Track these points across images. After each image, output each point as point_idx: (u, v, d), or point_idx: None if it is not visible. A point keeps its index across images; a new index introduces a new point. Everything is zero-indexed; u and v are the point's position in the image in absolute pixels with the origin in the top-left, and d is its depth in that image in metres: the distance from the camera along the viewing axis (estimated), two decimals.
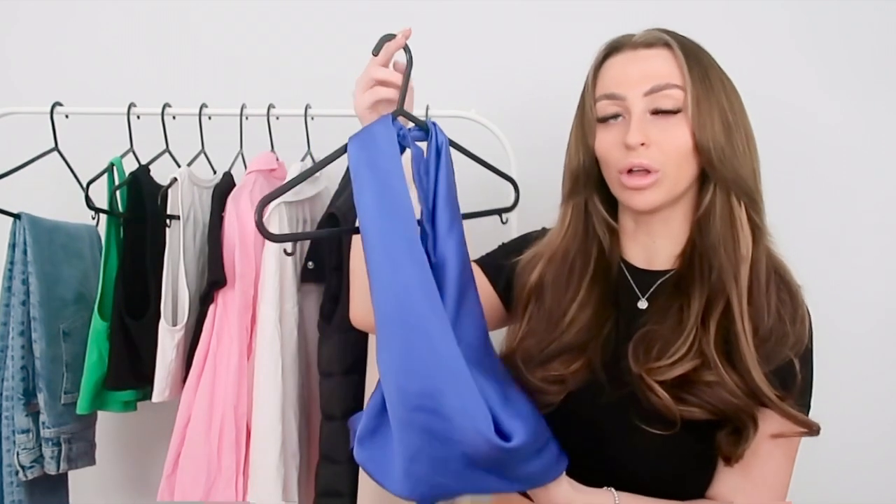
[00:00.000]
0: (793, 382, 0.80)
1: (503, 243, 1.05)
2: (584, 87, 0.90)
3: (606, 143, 0.86)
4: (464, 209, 0.85)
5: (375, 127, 0.77)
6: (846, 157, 1.44)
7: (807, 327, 0.82)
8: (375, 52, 0.85)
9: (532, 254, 0.95)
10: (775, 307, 0.81)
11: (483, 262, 1.02)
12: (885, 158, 1.44)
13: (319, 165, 0.83)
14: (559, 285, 0.90)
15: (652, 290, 0.89)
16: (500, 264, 0.99)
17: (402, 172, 0.74)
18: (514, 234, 1.29)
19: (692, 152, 0.82)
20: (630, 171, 0.84)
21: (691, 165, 0.83)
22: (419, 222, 0.77)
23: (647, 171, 0.83)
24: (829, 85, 1.42)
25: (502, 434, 0.70)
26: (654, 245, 0.90)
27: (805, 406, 0.83)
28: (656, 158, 0.82)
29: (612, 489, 0.81)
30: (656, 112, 0.82)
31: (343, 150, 0.79)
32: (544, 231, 1.01)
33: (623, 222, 0.92)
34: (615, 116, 0.85)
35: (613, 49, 0.88)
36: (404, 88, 0.83)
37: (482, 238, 1.19)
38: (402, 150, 0.78)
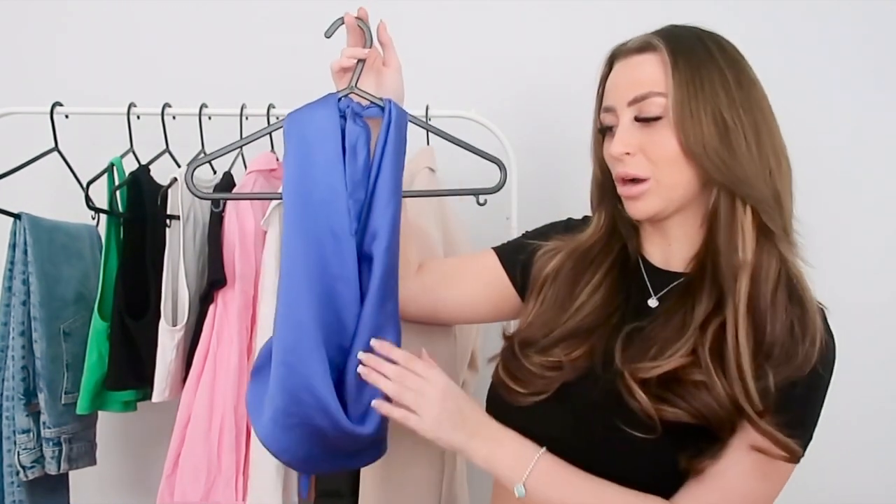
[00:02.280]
0: (786, 400, 0.76)
1: (526, 231, 1.05)
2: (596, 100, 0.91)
3: (606, 153, 0.87)
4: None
5: (315, 105, 0.84)
6: (847, 154, 1.44)
7: (818, 348, 0.77)
8: (328, 34, 0.91)
9: (555, 244, 0.96)
10: (787, 321, 0.78)
11: (500, 250, 1.02)
12: (888, 156, 1.44)
13: (254, 137, 0.91)
14: (577, 272, 0.91)
15: (665, 291, 0.88)
16: (519, 248, 0.99)
17: (333, 148, 0.81)
18: (515, 234, 1.29)
19: (682, 157, 0.80)
20: (624, 181, 0.84)
21: (684, 170, 0.81)
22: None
23: (638, 180, 0.83)
24: (834, 80, 1.43)
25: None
26: (669, 247, 0.89)
27: (801, 435, 0.77)
28: (643, 166, 0.82)
29: (544, 449, 0.83)
30: (641, 120, 0.82)
31: (281, 123, 0.86)
32: (569, 221, 1.01)
33: (642, 224, 0.92)
34: (611, 128, 0.86)
35: (612, 59, 0.88)
36: (359, 69, 0.88)
37: (485, 235, 1.19)
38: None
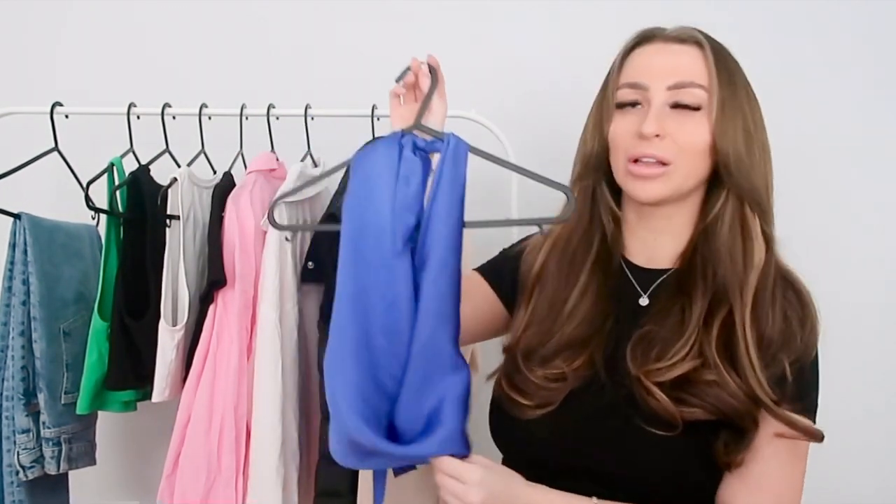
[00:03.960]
0: (798, 387, 0.79)
1: (504, 249, 1.05)
2: (609, 73, 0.89)
3: (621, 129, 0.85)
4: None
5: (378, 142, 0.85)
6: (845, 155, 1.44)
7: (817, 333, 0.81)
8: (398, 80, 0.93)
9: (536, 241, 0.96)
10: (781, 309, 0.81)
11: (484, 270, 1.02)
12: (886, 158, 1.44)
13: (329, 172, 0.92)
14: (561, 272, 0.90)
15: (653, 287, 0.88)
16: (501, 267, 1.00)
17: (388, 180, 0.81)
18: (515, 237, 1.29)
19: (707, 152, 0.82)
20: (638, 161, 0.83)
21: (703, 164, 0.83)
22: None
23: (659, 163, 0.82)
24: (831, 81, 1.43)
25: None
26: (654, 242, 0.89)
27: (812, 410, 0.81)
28: (669, 150, 0.82)
29: (595, 498, 0.79)
30: (676, 106, 0.82)
31: (349, 162, 0.87)
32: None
33: (626, 214, 0.91)
34: (634, 104, 0.85)
35: (644, 38, 0.87)
36: (423, 106, 0.88)
37: (485, 238, 1.19)
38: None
